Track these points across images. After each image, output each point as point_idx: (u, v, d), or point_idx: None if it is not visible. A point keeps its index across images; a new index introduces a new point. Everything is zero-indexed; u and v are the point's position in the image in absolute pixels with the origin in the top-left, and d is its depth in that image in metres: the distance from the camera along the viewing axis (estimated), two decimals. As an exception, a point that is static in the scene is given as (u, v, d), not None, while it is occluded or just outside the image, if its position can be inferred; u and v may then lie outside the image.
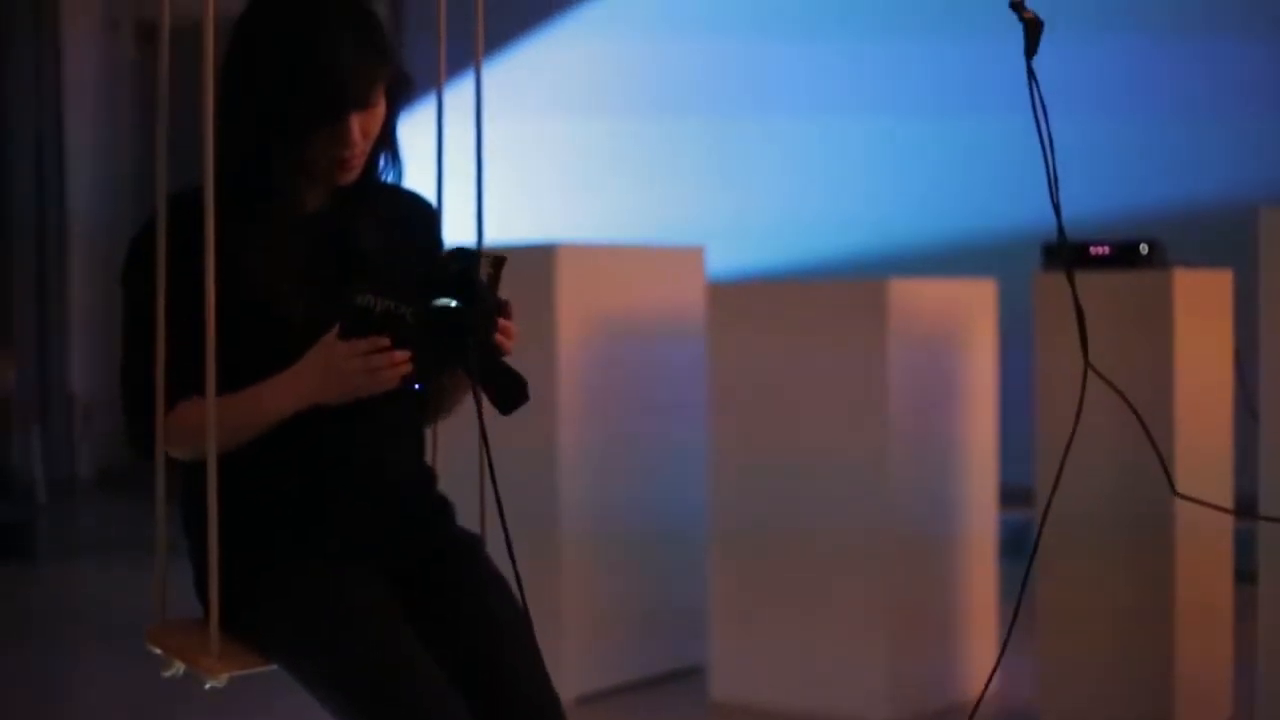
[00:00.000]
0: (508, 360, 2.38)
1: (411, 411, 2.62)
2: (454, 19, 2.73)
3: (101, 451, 10.59)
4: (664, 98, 9.02)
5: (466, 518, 2.70)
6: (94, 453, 10.58)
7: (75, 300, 10.67)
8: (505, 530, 2.36)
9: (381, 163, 2.57)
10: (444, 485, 2.69)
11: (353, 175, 2.49)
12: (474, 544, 2.65)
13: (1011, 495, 5.40)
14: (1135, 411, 2.96)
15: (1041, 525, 2.90)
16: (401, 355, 2.32)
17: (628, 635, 5.11)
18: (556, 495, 4.92)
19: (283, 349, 2.41)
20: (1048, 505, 2.94)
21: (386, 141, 2.54)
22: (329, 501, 2.49)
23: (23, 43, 10.43)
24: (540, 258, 4.93)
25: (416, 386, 2.36)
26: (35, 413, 9.85)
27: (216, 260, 2.35)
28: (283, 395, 2.40)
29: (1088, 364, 2.68)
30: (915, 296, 4.72)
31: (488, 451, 2.43)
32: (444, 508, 2.66)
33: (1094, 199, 7.05)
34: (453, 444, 2.87)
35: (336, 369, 2.35)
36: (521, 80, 9.10)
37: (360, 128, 2.43)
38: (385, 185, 2.60)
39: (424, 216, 2.67)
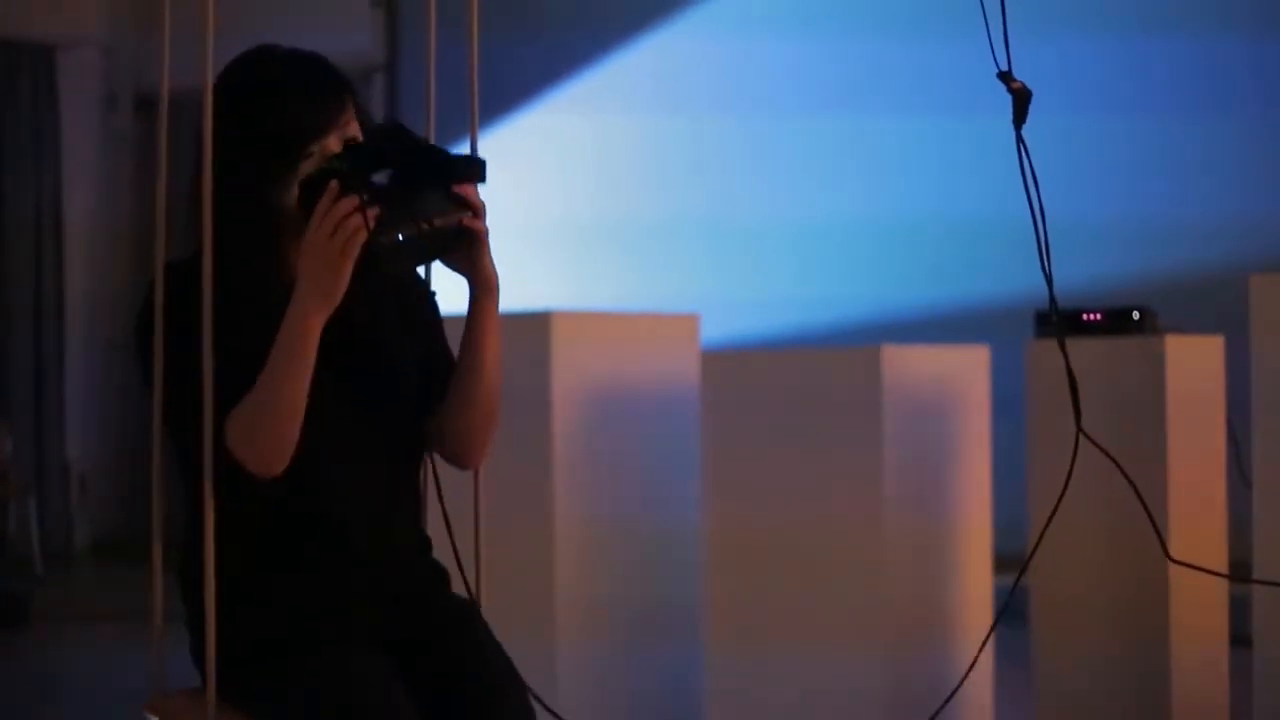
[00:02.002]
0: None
1: (410, 477, 2.63)
2: (446, 93, 2.76)
3: (97, 521, 10.59)
4: (660, 168, 9.06)
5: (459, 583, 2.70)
6: (90, 522, 10.57)
7: (72, 370, 10.69)
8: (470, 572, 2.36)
9: None
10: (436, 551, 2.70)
11: None
12: (470, 611, 2.66)
13: (1005, 562, 5.40)
14: (1128, 478, 2.97)
15: (1017, 581, 2.92)
16: (353, 199, 2.34)
17: (624, 708, 5.09)
18: (552, 561, 4.92)
19: None
20: (1026, 562, 2.95)
21: None
22: (327, 570, 2.50)
23: (22, 117, 10.48)
24: (535, 324, 4.95)
25: (400, 238, 2.37)
26: (31, 482, 9.85)
27: (220, 321, 2.38)
28: (294, 323, 2.37)
29: (1080, 430, 2.70)
30: (908, 364, 4.73)
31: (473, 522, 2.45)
32: (440, 575, 2.67)
33: (1086, 265, 7.09)
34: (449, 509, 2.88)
35: (313, 252, 2.35)
36: (515, 150, 9.15)
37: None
38: None
39: (416, 293, 2.69)
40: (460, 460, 2.65)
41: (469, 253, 2.48)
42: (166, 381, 2.44)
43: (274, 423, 2.37)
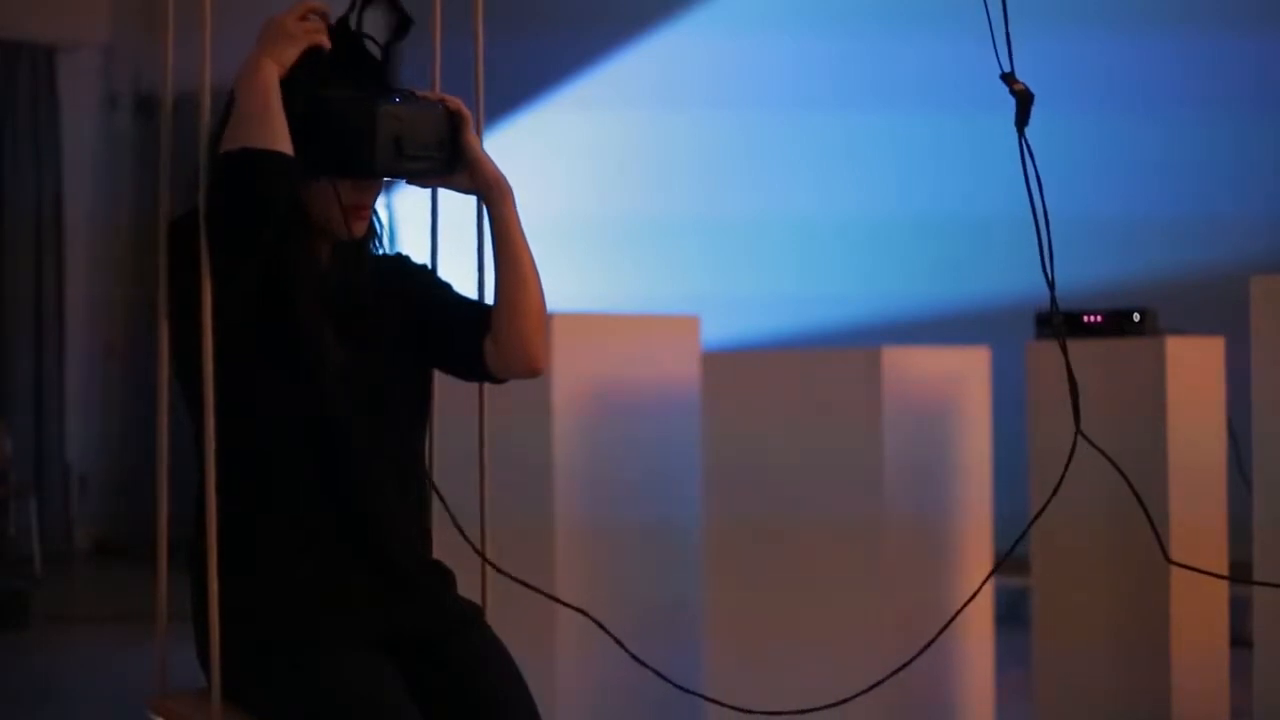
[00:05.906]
0: None
1: (414, 477, 2.63)
2: (448, 92, 2.77)
3: (97, 521, 10.58)
4: (661, 167, 9.06)
5: (464, 586, 2.71)
6: (90, 522, 10.57)
7: (72, 370, 10.68)
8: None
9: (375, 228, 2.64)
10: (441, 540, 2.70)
11: (362, 225, 2.55)
12: (475, 614, 2.66)
13: (1005, 562, 5.40)
14: (1127, 479, 2.98)
15: (993, 570, 2.93)
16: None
17: (623, 708, 5.09)
18: (552, 561, 4.92)
19: (289, 391, 2.46)
20: (1009, 551, 2.95)
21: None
22: (331, 572, 2.50)
23: (22, 117, 10.48)
24: (536, 327, 4.94)
25: (396, 99, 2.50)
26: (31, 482, 9.85)
27: None
28: (249, 74, 2.41)
29: (1080, 433, 2.70)
30: (909, 365, 4.73)
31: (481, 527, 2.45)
32: (445, 577, 2.67)
33: (1087, 266, 7.09)
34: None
35: (277, 24, 2.45)
36: (516, 149, 9.15)
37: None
38: (377, 254, 2.66)
39: (417, 274, 2.71)
40: (526, 368, 2.66)
41: (464, 147, 2.56)
42: (178, 324, 2.46)
43: (260, 143, 2.37)
